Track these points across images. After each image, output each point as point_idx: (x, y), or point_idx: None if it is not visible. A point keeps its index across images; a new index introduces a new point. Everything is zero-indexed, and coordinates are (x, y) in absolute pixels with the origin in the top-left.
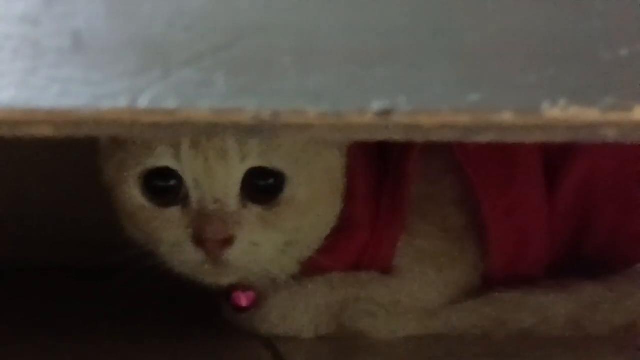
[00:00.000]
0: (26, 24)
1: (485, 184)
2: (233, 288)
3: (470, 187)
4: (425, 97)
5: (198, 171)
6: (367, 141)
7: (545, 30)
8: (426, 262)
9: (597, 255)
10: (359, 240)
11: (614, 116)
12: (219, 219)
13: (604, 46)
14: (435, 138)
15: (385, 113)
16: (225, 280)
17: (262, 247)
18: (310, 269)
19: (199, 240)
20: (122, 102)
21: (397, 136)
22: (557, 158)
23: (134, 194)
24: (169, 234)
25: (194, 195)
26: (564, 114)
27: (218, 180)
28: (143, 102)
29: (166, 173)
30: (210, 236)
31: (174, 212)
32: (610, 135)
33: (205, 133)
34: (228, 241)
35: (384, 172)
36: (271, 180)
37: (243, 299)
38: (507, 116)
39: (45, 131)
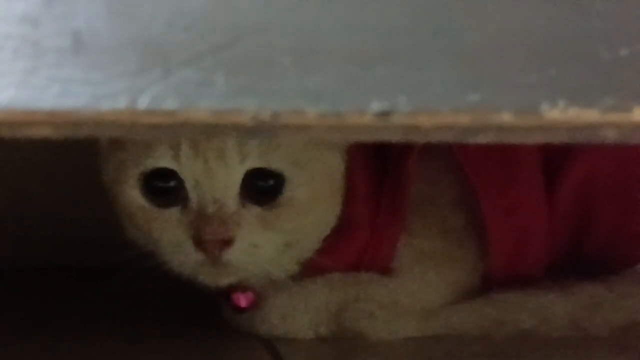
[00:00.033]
0: (26, 24)
1: (485, 184)
2: (233, 289)
3: (470, 188)
4: (425, 97)
5: (198, 172)
6: (367, 141)
7: (545, 30)
8: (426, 263)
9: (596, 256)
10: (359, 241)
11: (614, 117)
12: (218, 219)
13: (603, 46)
14: (434, 138)
15: (384, 114)
16: (225, 280)
17: (261, 247)
18: (310, 269)
19: (198, 241)
20: (122, 103)
21: (396, 137)
22: (556, 158)
23: (133, 195)
24: (168, 235)
25: (193, 196)
26: (563, 114)
27: (218, 181)
28: (143, 102)
29: (166, 174)
30: (210, 237)
31: (173, 213)
32: (610, 136)
33: (205, 134)
34: (228, 242)
35: (384, 172)
36: (271, 181)
37: (243, 300)
38: (506, 117)
39: (45, 132)
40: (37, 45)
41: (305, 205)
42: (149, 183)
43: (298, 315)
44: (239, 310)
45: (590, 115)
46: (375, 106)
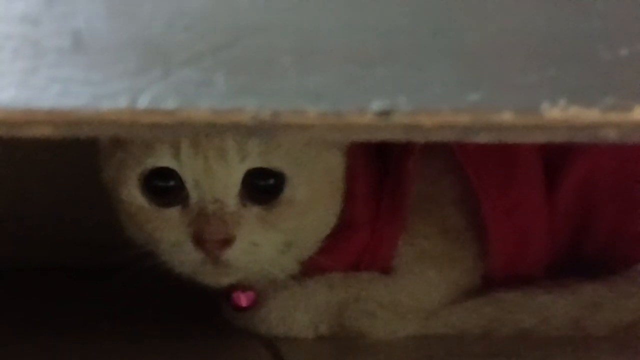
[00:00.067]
0: (26, 24)
1: (485, 184)
2: (233, 288)
3: (470, 187)
4: (425, 97)
5: (198, 171)
6: (367, 141)
7: (545, 30)
8: (426, 262)
9: (597, 255)
10: (359, 241)
11: (614, 116)
12: (218, 219)
13: (604, 46)
14: (435, 138)
15: (385, 113)
16: (225, 280)
17: (261, 247)
18: (310, 269)
19: (198, 241)
20: (122, 102)
21: (397, 136)
22: (557, 158)
23: (133, 194)
24: (168, 234)
25: (193, 196)
26: (564, 114)
27: (218, 180)
28: (143, 102)
29: (166, 173)
30: (210, 236)
31: (173, 212)
32: (611, 135)
33: (205, 133)
34: (228, 241)
35: (384, 172)
36: (271, 181)
37: (243, 299)
38: (507, 116)
39: (45, 131)
40: (37, 45)
41: (306, 204)
42: (149, 182)
43: (298, 314)
44: (240, 309)
45: (591, 114)
46: (376, 105)
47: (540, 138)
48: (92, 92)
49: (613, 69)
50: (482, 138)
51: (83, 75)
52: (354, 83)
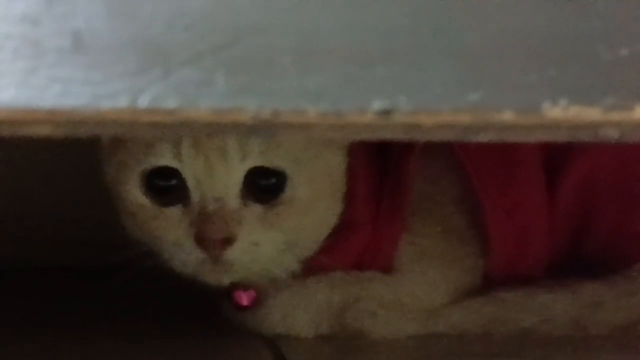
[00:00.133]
0: (26, 24)
1: (486, 183)
2: (234, 287)
3: (470, 187)
4: (426, 96)
5: (199, 170)
6: (367, 141)
7: (546, 30)
8: (427, 262)
9: (597, 255)
10: (360, 240)
11: (615, 116)
12: (219, 218)
13: (604, 46)
14: (435, 138)
15: (385, 112)
16: (226, 279)
17: (262, 246)
18: (311, 268)
19: (200, 240)
20: (122, 102)
21: (397, 136)
22: (557, 157)
23: (135, 194)
24: (170, 233)
25: (195, 195)
26: (564, 113)
27: (219, 179)
28: (143, 101)
29: (167, 172)
30: (211, 235)
31: (175, 212)
32: (611, 134)
33: (205, 133)
34: (229, 240)
35: (385, 171)
36: (272, 180)
37: (244, 298)
38: (507, 116)
39: (46, 131)
40: (38, 45)
41: (307, 204)
42: (151, 182)
43: (299, 313)
44: (241, 308)
45: (592, 113)
46: (376, 105)
47: (541, 138)
48: (92, 91)
49: (613, 68)
50: (483, 137)
51: (83, 75)
52: (354, 83)
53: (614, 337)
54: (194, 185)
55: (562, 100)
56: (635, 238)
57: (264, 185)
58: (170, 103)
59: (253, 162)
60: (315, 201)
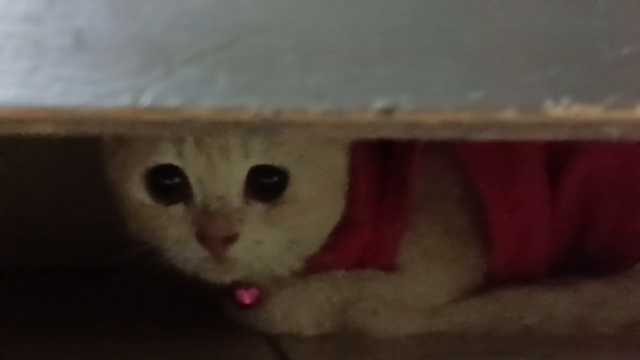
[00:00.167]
0: (28, 23)
1: (488, 182)
2: (236, 285)
3: (472, 186)
4: (428, 95)
5: (201, 169)
6: (369, 139)
7: (547, 29)
8: (429, 260)
9: (599, 254)
10: (362, 239)
11: (617, 114)
12: (222, 216)
13: (606, 45)
14: (437, 136)
15: (387, 111)
16: (228, 277)
17: (265, 244)
18: (313, 266)
19: (202, 238)
20: (124, 101)
21: (399, 134)
22: (559, 156)
23: (137, 192)
24: (172, 232)
25: (197, 193)
26: (567, 112)
27: (221, 177)
28: (145, 100)
29: (170, 170)
30: (214, 234)
31: (177, 210)
32: (614, 133)
33: (207, 131)
34: (231, 239)
35: (386, 170)
36: (275, 178)
37: (246, 297)
38: (509, 114)
39: (47, 129)
40: (39, 44)
41: (309, 202)
42: (153, 180)
43: (301, 312)
44: (243, 307)
45: (594, 112)
46: (378, 104)
47: (543, 136)
48: (94, 90)
49: (615, 67)
50: (485, 136)
51: (85, 74)
52: (356, 82)
53: (616, 336)
54: (197, 184)
55: (564, 99)
56: (637, 237)
57: (266, 184)
58: (172, 102)
59: (255, 160)
60: (318, 200)
